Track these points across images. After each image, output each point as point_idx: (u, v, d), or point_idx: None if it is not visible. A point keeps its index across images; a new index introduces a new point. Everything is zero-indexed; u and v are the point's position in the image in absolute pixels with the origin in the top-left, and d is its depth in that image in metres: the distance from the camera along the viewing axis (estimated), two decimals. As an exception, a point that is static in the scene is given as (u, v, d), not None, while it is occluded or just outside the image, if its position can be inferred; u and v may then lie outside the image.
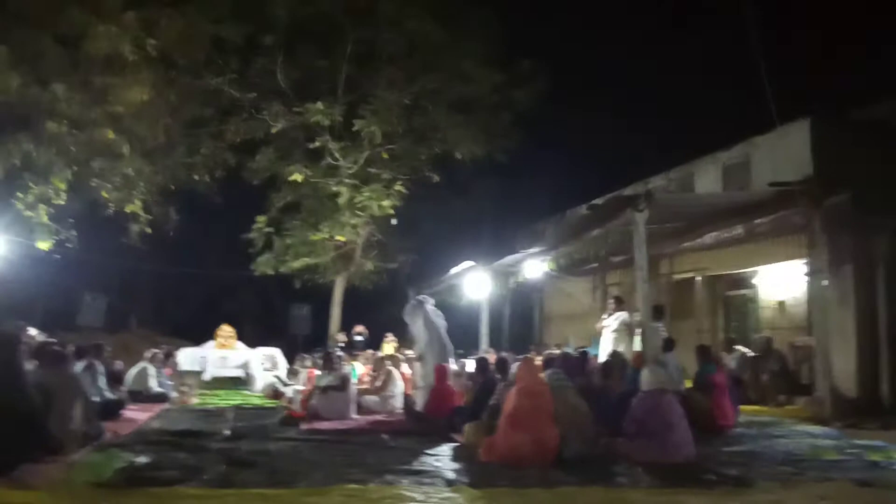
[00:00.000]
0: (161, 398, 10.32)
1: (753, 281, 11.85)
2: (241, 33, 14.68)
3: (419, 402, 8.83)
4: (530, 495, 4.47)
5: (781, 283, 11.23)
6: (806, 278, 10.09)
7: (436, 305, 9.73)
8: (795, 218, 9.50)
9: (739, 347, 10.87)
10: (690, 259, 12.88)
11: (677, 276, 13.44)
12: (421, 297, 9.85)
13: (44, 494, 3.95)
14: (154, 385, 10.58)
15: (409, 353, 11.86)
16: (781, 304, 11.29)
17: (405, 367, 10.52)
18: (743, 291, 12.46)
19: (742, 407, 8.70)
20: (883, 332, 9.06)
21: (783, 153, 10.57)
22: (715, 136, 12.66)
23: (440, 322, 9.37)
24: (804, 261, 10.07)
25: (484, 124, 15.99)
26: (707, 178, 12.39)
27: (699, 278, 12.79)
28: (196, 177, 15.72)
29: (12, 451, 4.49)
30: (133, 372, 10.69)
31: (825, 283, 9.19)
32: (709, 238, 11.04)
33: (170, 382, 11.26)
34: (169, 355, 12.23)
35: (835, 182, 9.24)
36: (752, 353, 10.52)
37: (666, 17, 24.82)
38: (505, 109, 16.09)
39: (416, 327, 9.44)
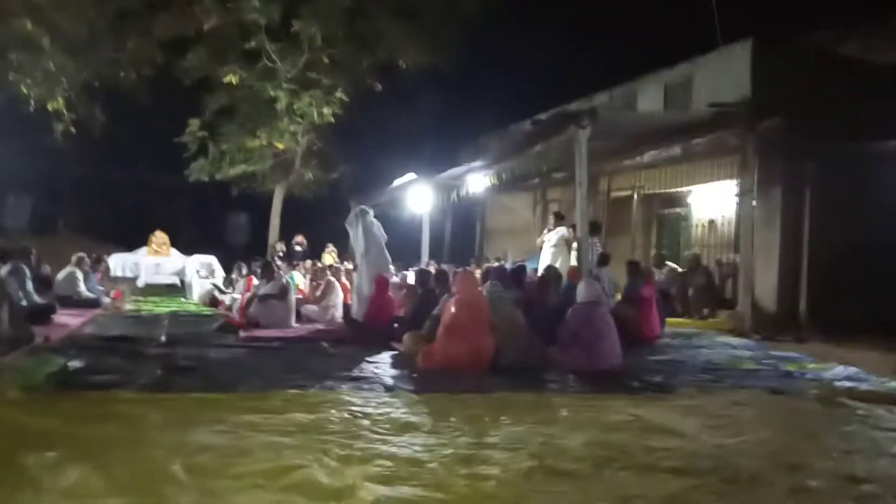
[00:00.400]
0: (92, 303, 10.09)
1: (687, 200, 12.19)
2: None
3: (356, 311, 8.90)
4: (465, 400, 4.63)
5: (713, 202, 11.59)
6: (736, 198, 10.44)
7: (377, 217, 9.69)
8: (731, 139, 9.75)
9: (669, 263, 11.29)
10: (628, 177, 13.13)
11: (615, 194, 13.71)
12: (362, 207, 9.77)
13: (-30, 399, 3.85)
14: (84, 290, 10.30)
15: (348, 264, 11.88)
16: (712, 222, 11.70)
17: (345, 278, 10.54)
18: (677, 210, 12.83)
19: (668, 319, 9.16)
20: (805, 253, 9.55)
21: (724, 74, 10.68)
22: (659, 54, 12.63)
23: (379, 234, 9.35)
24: (735, 181, 10.41)
25: (430, 32, 15.49)
26: (649, 97, 12.47)
27: (636, 196, 13.08)
28: (122, 74, 14.82)
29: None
30: (61, 276, 10.36)
31: (754, 203, 9.54)
32: (647, 157, 11.25)
33: (101, 288, 10.99)
34: (99, 260, 11.88)
35: (770, 106, 9.47)
36: (681, 269, 10.95)
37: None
38: (452, 18, 15.60)
39: (356, 236, 9.42)
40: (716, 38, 11.60)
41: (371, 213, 9.61)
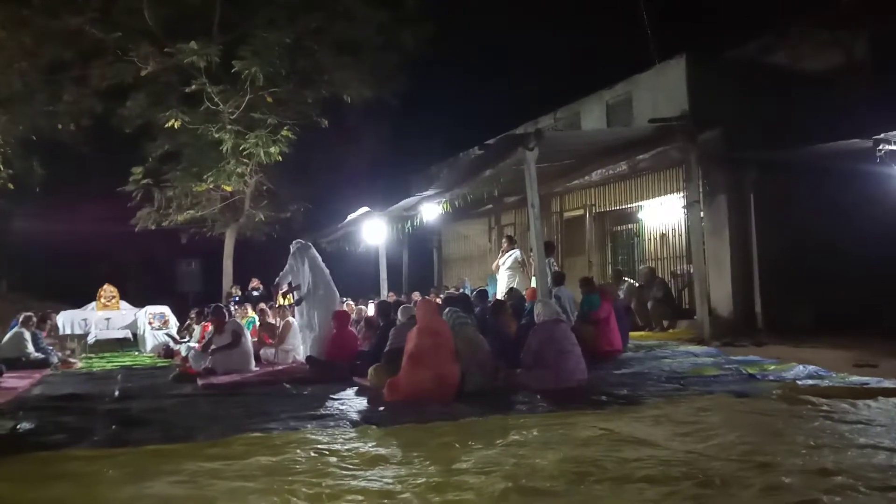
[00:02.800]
0: (41, 364, 9.67)
1: (638, 215, 12.41)
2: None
3: (310, 348, 8.70)
4: (434, 429, 4.55)
5: (662, 215, 11.83)
6: (684, 210, 10.67)
7: (332, 252, 9.61)
8: (673, 153, 10.01)
9: (626, 278, 11.44)
10: (579, 197, 13.33)
11: (568, 214, 13.89)
12: (301, 241, 9.62)
13: None
14: (32, 350, 9.88)
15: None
16: (663, 235, 11.92)
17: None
18: (629, 225, 13.04)
19: (630, 333, 9.23)
20: (755, 259, 9.79)
21: (662, 91, 10.98)
22: (600, 75, 12.94)
23: (324, 268, 9.21)
24: (682, 194, 10.65)
25: (371, 66, 15.55)
26: (592, 117, 12.73)
27: (588, 215, 13.26)
28: (60, 126, 14.45)
29: None
30: (7, 338, 9.93)
31: (701, 214, 9.77)
32: (595, 175, 11.46)
33: (50, 347, 10.56)
34: (44, 319, 11.43)
35: (708, 118, 9.77)
36: (638, 283, 11.10)
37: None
38: (392, 50, 15.71)
39: (300, 271, 9.25)
40: (652, 57, 11.95)
41: (312, 247, 9.49)
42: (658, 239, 12.06)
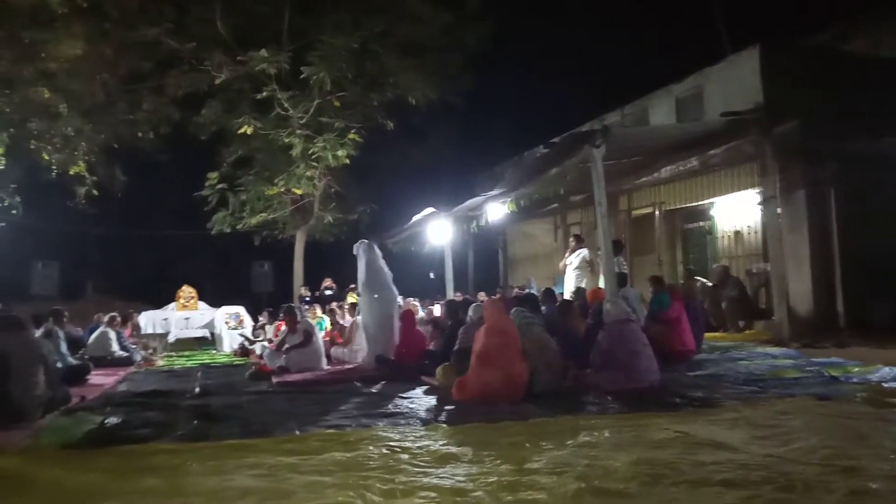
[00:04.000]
0: (125, 362, 10.16)
1: (710, 212, 12.07)
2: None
3: (369, 347, 8.73)
4: (503, 428, 4.55)
5: (736, 212, 11.46)
6: (759, 207, 10.31)
7: (397, 253, 9.66)
8: (747, 147, 9.67)
9: (699, 278, 11.13)
10: (648, 194, 13.05)
11: (636, 212, 13.63)
12: (366, 240, 9.59)
13: (11, 459, 3.85)
14: (117, 349, 10.39)
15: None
16: (738, 233, 11.56)
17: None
18: (700, 223, 12.69)
19: (704, 334, 8.97)
20: (836, 254, 9.36)
21: (734, 83, 10.66)
22: (668, 68, 12.66)
23: (385, 268, 9.18)
24: (757, 189, 10.29)
25: (436, 67, 15.69)
26: (661, 112, 12.46)
27: (657, 213, 12.98)
28: (140, 134, 15.16)
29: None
30: (93, 337, 10.47)
31: (778, 210, 9.41)
32: (665, 172, 11.19)
33: (133, 346, 11.08)
34: (127, 318, 11.99)
35: (784, 110, 9.40)
36: (711, 283, 10.79)
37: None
38: (456, 51, 15.80)
39: (359, 267, 9.29)
40: (723, 48, 11.61)
41: (373, 247, 9.46)
42: (732, 236, 11.70)
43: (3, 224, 13.99)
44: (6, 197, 13.52)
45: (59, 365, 7.69)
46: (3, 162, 12.99)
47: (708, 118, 10.68)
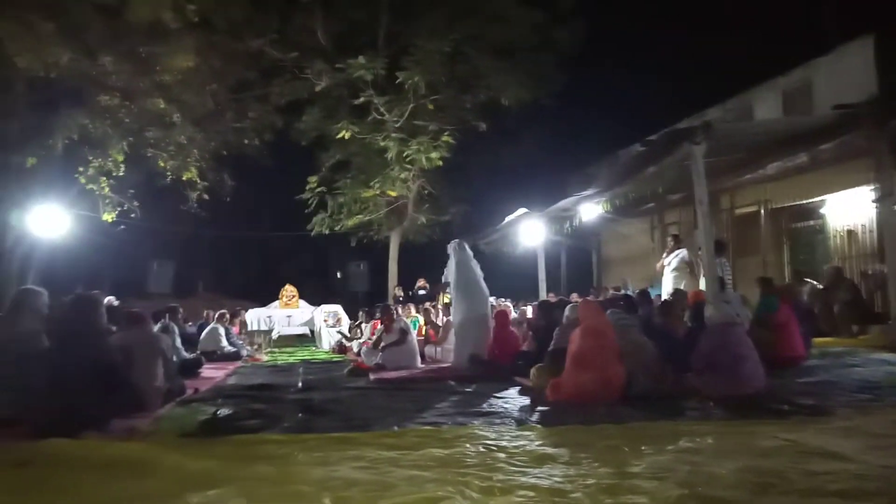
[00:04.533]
0: (233, 356, 10.71)
1: (821, 211, 11.42)
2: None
3: (457, 346, 8.78)
4: (600, 431, 4.50)
5: (849, 210, 10.80)
6: (874, 204, 9.68)
7: (490, 254, 9.69)
8: (860, 142, 9.06)
9: (808, 280, 10.57)
10: (752, 192, 12.49)
11: (739, 211, 13.08)
12: (458, 241, 9.66)
13: (136, 446, 4.16)
14: (226, 344, 10.97)
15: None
16: (851, 232, 10.89)
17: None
18: (810, 222, 12.04)
19: (814, 339, 8.52)
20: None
21: (845, 74, 10.08)
22: (774, 61, 12.09)
23: (474, 268, 9.21)
24: (871, 186, 9.65)
25: (528, 68, 15.66)
26: (766, 106, 11.92)
27: (763, 211, 12.40)
28: (246, 141, 15.96)
29: (102, 407, 4.74)
30: (205, 333, 11.10)
31: (895, 207, 8.79)
32: (771, 168, 10.65)
33: (241, 341, 11.66)
34: (234, 315, 12.63)
35: (901, 101, 8.78)
36: (821, 285, 10.22)
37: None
38: (548, 51, 15.71)
39: (449, 267, 9.38)
40: (833, 38, 10.99)
41: (465, 248, 9.52)
42: (845, 236, 11.03)
43: (123, 226, 15.05)
44: (125, 201, 14.55)
45: (174, 358, 8.22)
46: (123, 169, 13.98)
47: (817, 112, 10.12)
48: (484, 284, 9.16)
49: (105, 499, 2.93)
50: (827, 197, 11.03)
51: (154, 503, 2.99)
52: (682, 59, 20.18)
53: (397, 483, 3.19)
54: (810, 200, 11.41)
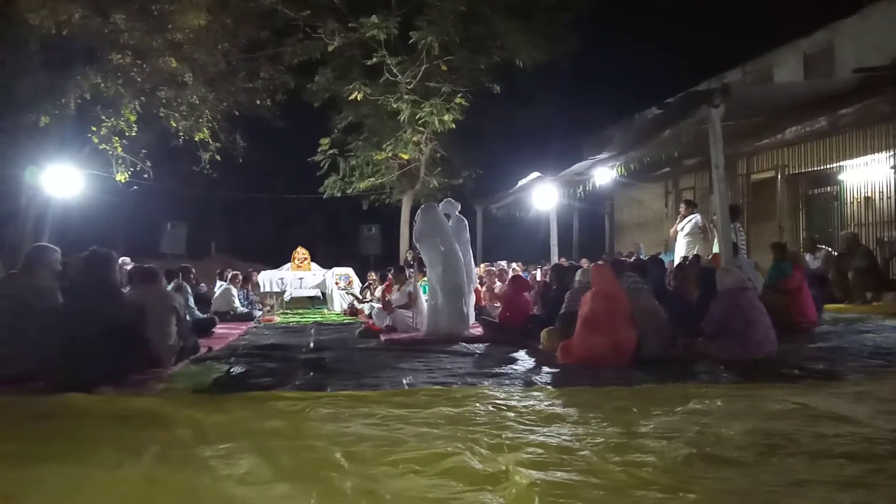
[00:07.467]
0: (246, 317, 10.81)
1: (839, 177, 11.26)
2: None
3: (427, 315, 8.27)
4: (609, 392, 4.52)
5: (868, 176, 10.64)
6: (893, 170, 9.54)
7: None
8: (882, 106, 8.89)
9: (822, 246, 10.48)
10: (770, 157, 12.33)
11: (756, 176, 12.93)
12: (427, 203, 8.82)
13: (151, 401, 4.23)
14: (238, 305, 11.07)
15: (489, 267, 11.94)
16: (868, 199, 10.75)
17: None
18: (827, 188, 11.88)
19: (827, 306, 8.48)
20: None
21: (869, 36, 9.85)
22: (796, 23, 11.81)
23: (443, 230, 8.25)
24: (891, 152, 9.51)
25: (543, 28, 15.37)
26: (787, 69, 11.69)
27: (780, 177, 12.25)
28: (258, 101, 15.84)
29: (117, 362, 4.81)
30: (217, 293, 11.19)
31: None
32: (789, 133, 10.51)
33: (255, 299, 11.76)
34: (247, 278, 12.72)
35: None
36: (837, 252, 10.13)
37: None
38: (564, 11, 15.39)
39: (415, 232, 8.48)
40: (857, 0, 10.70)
41: (457, 207, 8.91)
42: (862, 202, 10.90)
43: (136, 187, 15.09)
44: (138, 161, 14.55)
45: (187, 318, 8.31)
46: (136, 129, 13.95)
47: (839, 75, 9.90)
48: (458, 249, 8.28)
49: (125, 448, 2.99)
50: (845, 163, 10.87)
51: (174, 450, 3.04)
52: (702, 20, 19.78)
53: (407, 439, 3.23)
54: (829, 166, 11.25)
